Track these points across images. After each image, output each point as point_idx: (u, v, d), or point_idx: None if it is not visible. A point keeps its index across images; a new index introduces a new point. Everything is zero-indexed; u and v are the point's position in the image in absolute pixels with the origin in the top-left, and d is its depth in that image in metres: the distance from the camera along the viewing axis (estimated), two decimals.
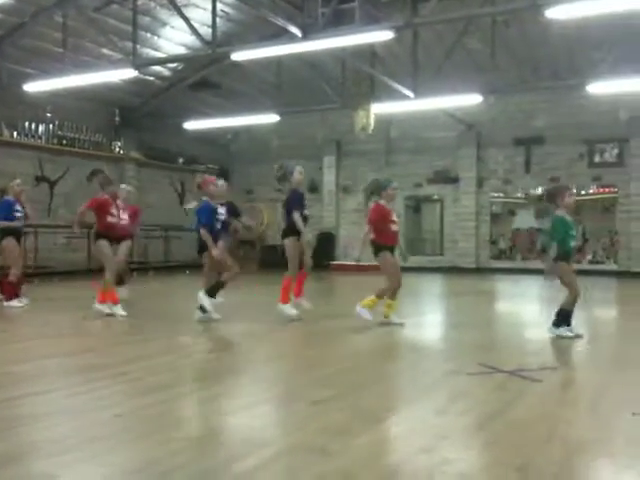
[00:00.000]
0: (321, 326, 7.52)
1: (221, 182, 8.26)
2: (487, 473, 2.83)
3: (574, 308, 6.31)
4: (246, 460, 2.87)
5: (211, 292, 7.32)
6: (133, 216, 9.72)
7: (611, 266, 17.14)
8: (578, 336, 6.25)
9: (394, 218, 7.62)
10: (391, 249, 7.57)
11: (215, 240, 7.47)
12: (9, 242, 8.87)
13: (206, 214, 7.53)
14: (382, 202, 7.57)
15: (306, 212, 8.01)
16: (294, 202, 7.73)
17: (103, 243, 7.88)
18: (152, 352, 5.48)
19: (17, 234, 9.06)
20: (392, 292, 7.51)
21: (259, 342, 6.24)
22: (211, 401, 3.97)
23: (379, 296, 7.45)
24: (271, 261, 19.86)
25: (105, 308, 7.71)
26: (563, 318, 6.30)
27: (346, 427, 3.36)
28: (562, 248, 6.25)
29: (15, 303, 8.72)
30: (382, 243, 7.48)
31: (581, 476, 2.78)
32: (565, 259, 6.30)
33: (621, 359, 5.39)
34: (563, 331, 6.25)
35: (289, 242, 7.82)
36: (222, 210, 7.87)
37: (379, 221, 7.47)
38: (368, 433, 3.30)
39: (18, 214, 8.97)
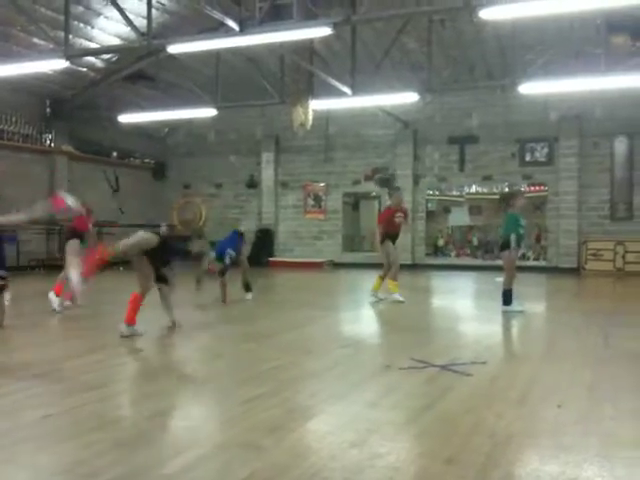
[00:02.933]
0: (255, 324, 7.48)
1: None
2: (416, 465, 2.87)
3: (512, 287, 7.87)
4: (175, 460, 2.83)
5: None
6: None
7: (540, 262, 17.67)
8: (522, 311, 7.87)
9: (399, 213, 9.61)
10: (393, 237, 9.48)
11: None
12: None
13: None
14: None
15: None
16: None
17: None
18: (84, 350, 5.32)
19: None
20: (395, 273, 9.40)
21: (190, 341, 6.15)
22: (142, 401, 3.89)
23: (393, 278, 9.36)
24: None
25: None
26: (507, 297, 7.87)
27: (278, 423, 3.35)
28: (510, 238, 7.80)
29: None
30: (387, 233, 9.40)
31: (507, 467, 2.85)
32: (511, 248, 7.83)
33: (549, 352, 5.56)
34: (512, 307, 7.84)
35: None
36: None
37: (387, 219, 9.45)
38: (300, 429, 3.30)
39: None
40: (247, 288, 9.78)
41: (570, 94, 14.09)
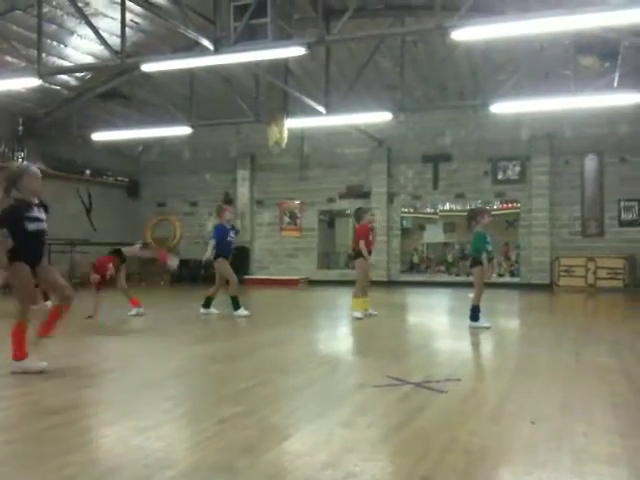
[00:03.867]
0: (230, 342, 7.43)
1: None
2: None
3: (479, 304, 8.04)
4: None
5: None
6: None
7: (513, 278, 17.86)
8: (488, 327, 8.01)
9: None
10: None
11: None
12: None
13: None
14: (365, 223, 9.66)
15: None
16: None
17: None
18: (46, 374, 5.19)
19: None
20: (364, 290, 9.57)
21: (164, 360, 6.09)
22: (113, 423, 3.82)
23: (356, 295, 9.45)
24: (184, 275, 19.55)
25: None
26: (475, 313, 8.05)
27: (253, 444, 3.32)
28: (479, 255, 8.04)
29: None
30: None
31: None
32: (481, 263, 8.06)
33: (522, 368, 5.60)
34: (479, 324, 7.99)
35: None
36: None
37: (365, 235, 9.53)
38: (275, 449, 3.28)
39: None
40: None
41: (541, 113, 14.38)
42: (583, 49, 12.20)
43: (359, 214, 9.93)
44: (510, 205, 18.29)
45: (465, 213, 20.45)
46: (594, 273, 15.76)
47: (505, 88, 12.39)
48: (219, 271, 9.96)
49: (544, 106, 12.78)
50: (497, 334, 8.31)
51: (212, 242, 9.99)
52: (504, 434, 3.57)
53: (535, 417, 3.84)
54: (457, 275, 19.34)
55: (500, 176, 17.10)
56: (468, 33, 8.63)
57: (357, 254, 9.58)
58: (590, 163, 16.37)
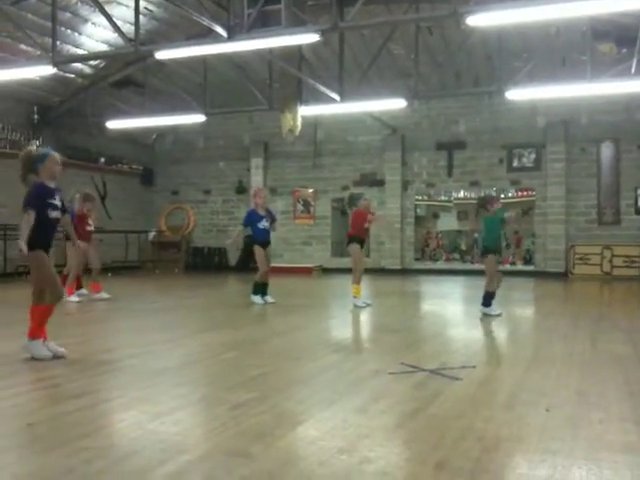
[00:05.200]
0: (244, 330, 7.46)
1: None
2: (405, 471, 2.87)
3: (494, 291, 8.02)
4: (164, 467, 2.81)
5: None
6: None
7: (528, 266, 17.77)
8: (499, 315, 8.00)
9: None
10: (361, 242, 9.56)
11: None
12: None
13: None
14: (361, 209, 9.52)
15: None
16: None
17: None
18: (67, 359, 5.26)
19: None
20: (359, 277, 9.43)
21: (178, 347, 6.13)
22: (129, 408, 3.86)
23: (356, 282, 9.34)
24: (197, 263, 19.65)
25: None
26: (487, 299, 8.04)
27: (267, 430, 3.34)
28: (491, 243, 8.07)
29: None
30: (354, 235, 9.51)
31: (496, 472, 2.85)
32: (492, 252, 8.07)
33: (537, 356, 5.58)
34: (489, 310, 8.00)
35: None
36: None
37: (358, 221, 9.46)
38: (289, 435, 3.29)
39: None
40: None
41: (557, 100, 14.21)
42: (600, 35, 12.04)
43: (353, 200, 9.83)
44: (525, 193, 18.16)
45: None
46: (610, 261, 15.64)
47: (520, 74, 12.26)
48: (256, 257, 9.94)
49: (560, 93, 12.62)
50: (512, 322, 8.29)
51: (239, 228, 10.02)
52: (519, 422, 3.56)
53: (550, 405, 3.83)
54: (472, 263, 19.25)
55: (515, 164, 16.97)
56: (483, 19, 8.54)
57: (350, 240, 9.57)
58: (606, 150, 16.20)
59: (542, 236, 16.79)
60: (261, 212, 9.91)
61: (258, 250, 9.79)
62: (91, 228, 10.45)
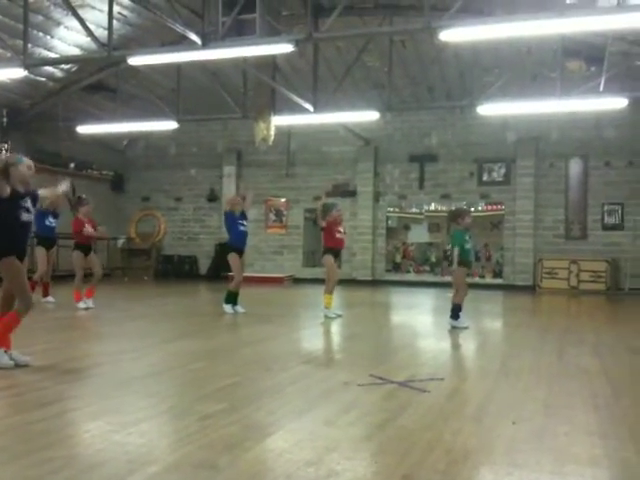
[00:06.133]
0: (213, 339, 7.41)
1: None
2: None
3: (462, 304, 8.10)
4: (131, 478, 2.77)
5: None
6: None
7: (496, 280, 17.96)
8: (466, 327, 8.07)
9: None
10: (335, 253, 9.55)
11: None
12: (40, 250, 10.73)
13: None
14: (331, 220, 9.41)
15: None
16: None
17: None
18: (31, 367, 5.16)
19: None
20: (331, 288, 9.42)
21: (146, 356, 6.06)
22: (95, 418, 3.80)
23: (328, 292, 9.35)
24: (168, 271, 19.47)
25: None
26: (455, 312, 8.10)
27: (235, 441, 3.31)
28: (461, 256, 8.08)
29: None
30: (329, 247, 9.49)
31: None
32: (463, 265, 8.17)
33: (505, 369, 5.63)
34: (458, 323, 8.05)
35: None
36: None
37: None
38: (257, 447, 3.27)
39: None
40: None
41: (527, 116, 14.46)
42: (570, 53, 12.28)
43: (325, 210, 9.56)
44: (495, 207, 18.38)
45: None
46: (577, 276, 15.88)
47: (492, 90, 12.44)
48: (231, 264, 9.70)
49: (530, 109, 12.85)
50: (480, 334, 8.36)
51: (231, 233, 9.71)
52: (486, 434, 3.58)
53: (517, 417, 3.86)
54: (442, 275, 19.39)
55: (485, 177, 17.17)
56: (456, 34, 8.65)
57: (325, 251, 9.54)
58: (575, 166, 16.48)
59: (511, 249, 16.99)
60: (237, 213, 9.71)
61: (234, 257, 9.60)
62: (89, 234, 10.21)
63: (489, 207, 18.75)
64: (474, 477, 2.97)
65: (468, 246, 8.25)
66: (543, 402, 4.34)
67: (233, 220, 9.68)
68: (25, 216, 5.19)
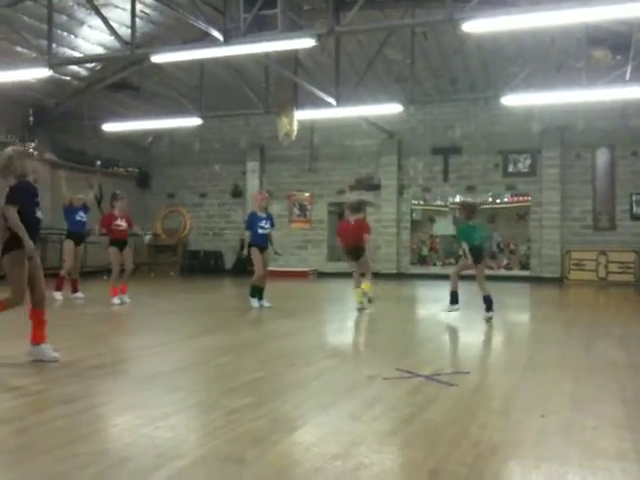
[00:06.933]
0: (239, 334, 7.45)
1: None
2: (400, 477, 2.87)
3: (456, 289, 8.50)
4: (159, 472, 2.80)
5: None
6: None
7: (523, 272, 17.81)
8: (457, 309, 8.52)
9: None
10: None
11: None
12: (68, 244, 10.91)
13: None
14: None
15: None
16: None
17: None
18: (60, 363, 5.23)
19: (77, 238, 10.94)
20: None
21: (173, 352, 6.11)
22: (122, 413, 3.85)
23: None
24: (193, 266, 19.62)
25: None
26: (453, 298, 8.51)
27: (262, 435, 3.33)
28: (471, 250, 8.12)
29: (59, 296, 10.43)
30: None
31: (491, 478, 2.85)
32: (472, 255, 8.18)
33: (532, 362, 5.59)
34: (452, 308, 8.48)
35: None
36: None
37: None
38: (284, 441, 3.29)
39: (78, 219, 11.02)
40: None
41: (552, 106, 14.28)
42: (595, 42, 12.09)
43: (359, 207, 9.68)
44: (521, 198, 18.21)
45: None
46: (605, 267, 15.68)
47: (516, 80, 12.31)
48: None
49: (555, 99, 12.69)
50: (507, 328, 8.30)
51: (247, 233, 9.78)
52: (513, 428, 3.56)
53: (544, 411, 3.83)
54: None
55: (511, 169, 17.02)
56: (479, 25, 8.58)
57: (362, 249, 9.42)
58: (601, 156, 16.26)
59: (538, 241, 16.83)
60: (261, 214, 9.81)
61: (255, 253, 9.68)
62: (122, 228, 10.34)
63: (514, 198, 18.59)
64: (502, 471, 2.96)
65: (477, 241, 8.13)
66: (570, 395, 4.30)
67: (254, 221, 9.74)
68: (39, 213, 5.19)
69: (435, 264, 21.37)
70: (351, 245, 9.39)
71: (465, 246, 8.15)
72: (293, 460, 3.04)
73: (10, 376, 4.80)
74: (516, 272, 18.10)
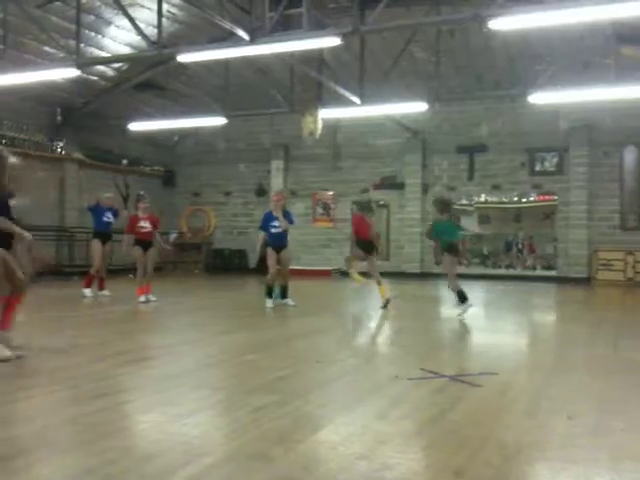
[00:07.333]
0: (263, 332, 7.48)
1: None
2: (425, 477, 2.86)
3: (459, 288, 8.53)
4: (185, 469, 2.82)
5: None
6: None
7: (550, 272, 17.62)
8: (471, 306, 8.48)
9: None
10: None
11: None
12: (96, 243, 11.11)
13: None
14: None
15: None
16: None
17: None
18: (88, 360, 5.33)
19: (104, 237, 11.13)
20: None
21: (198, 349, 6.17)
22: (149, 409, 3.89)
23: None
24: (218, 265, 19.74)
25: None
26: (460, 297, 8.44)
27: (288, 433, 3.34)
28: (442, 245, 8.57)
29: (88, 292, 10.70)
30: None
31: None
32: (448, 252, 8.56)
33: (559, 363, 5.53)
34: (465, 307, 8.40)
35: None
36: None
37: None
38: (309, 439, 3.29)
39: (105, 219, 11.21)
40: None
41: (580, 104, 14.08)
42: (624, 38, 11.92)
43: (370, 207, 10.26)
44: (546, 197, 18.03)
45: (501, 205, 20.25)
46: (633, 267, 15.46)
47: (543, 78, 12.18)
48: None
49: (583, 96, 12.53)
50: (533, 328, 8.23)
51: (261, 234, 9.81)
52: (540, 429, 3.53)
53: (572, 412, 3.79)
54: (502, 267, 19.10)
55: (537, 167, 16.85)
56: (506, 22, 8.50)
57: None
58: (629, 155, 16.03)
59: (564, 241, 16.64)
60: (275, 214, 9.75)
61: (269, 252, 9.65)
62: (146, 230, 10.40)
63: (540, 197, 18.42)
64: (529, 473, 2.94)
65: (452, 237, 8.54)
66: (598, 397, 4.25)
67: (267, 221, 9.73)
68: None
69: (461, 263, 21.19)
70: (369, 239, 9.62)
71: (438, 241, 8.61)
72: (318, 459, 3.04)
73: (40, 372, 4.87)
74: (542, 272, 17.89)
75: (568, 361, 5.64)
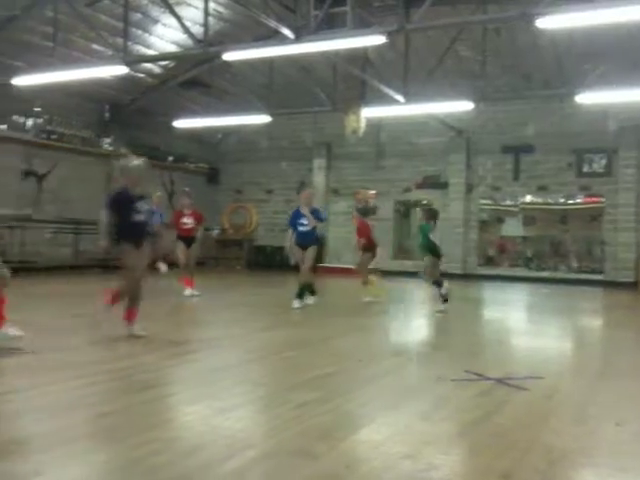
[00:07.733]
0: (304, 330, 7.50)
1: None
2: (471, 479, 2.83)
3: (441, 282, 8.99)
4: (228, 462, 2.85)
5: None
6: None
7: (596, 276, 17.22)
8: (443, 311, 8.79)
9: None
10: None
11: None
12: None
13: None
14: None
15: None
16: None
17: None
18: (137, 351, 5.44)
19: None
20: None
21: (242, 345, 6.21)
22: (194, 402, 3.94)
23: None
24: (259, 261, 19.86)
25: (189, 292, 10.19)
26: (438, 284, 8.98)
27: (330, 430, 3.34)
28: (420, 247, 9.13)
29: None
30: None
31: None
32: (434, 255, 9.06)
33: (607, 369, 5.42)
34: (442, 291, 8.89)
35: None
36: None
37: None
38: (352, 437, 3.29)
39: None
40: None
41: (629, 104, 13.72)
42: None
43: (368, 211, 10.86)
44: (595, 199, 17.63)
45: (547, 206, 19.89)
46: None
47: (591, 77, 11.92)
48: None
49: (633, 96, 12.22)
50: (579, 333, 8.07)
51: (289, 231, 9.63)
52: (588, 436, 3.46)
53: (620, 419, 3.70)
54: (546, 270, 18.73)
55: (585, 169, 16.48)
56: (554, 21, 8.34)
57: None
58: None
59: (612, 244, 16.26)
60: (303, 211, 9.41)
61: (295, 250, 9.46)
62: (188, 226, 10.46)
63: (587, 199, 18.03)
64: (575, 479, 2.88)
65: (422, 240, 9.09)
66: None
67: (294, 219, 9.48)
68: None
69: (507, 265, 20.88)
70: (371, 241, 10.39)
71: (425, 242, 9.03)
72: (361, 457, 3.04)
73: (93, 361, 4.97)
74: (588, 276, 17.47)
75: (614, 367, 5.51)
